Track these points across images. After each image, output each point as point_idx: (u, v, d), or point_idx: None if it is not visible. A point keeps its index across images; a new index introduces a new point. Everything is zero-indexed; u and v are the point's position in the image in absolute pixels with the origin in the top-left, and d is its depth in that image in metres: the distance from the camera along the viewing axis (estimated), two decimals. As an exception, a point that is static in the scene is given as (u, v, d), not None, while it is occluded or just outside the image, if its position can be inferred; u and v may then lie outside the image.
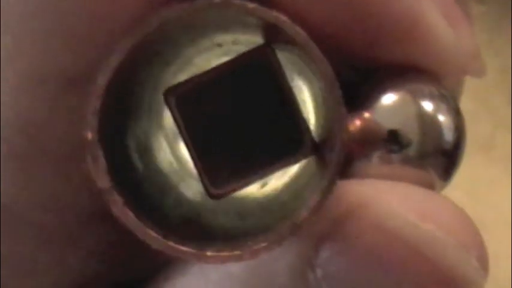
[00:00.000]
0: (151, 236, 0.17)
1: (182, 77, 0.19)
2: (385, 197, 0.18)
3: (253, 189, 0.21)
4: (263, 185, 0.21)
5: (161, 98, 0.19)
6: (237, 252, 0.17)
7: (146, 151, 0.19)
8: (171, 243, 0.17)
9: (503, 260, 0.50)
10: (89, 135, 0.16)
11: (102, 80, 0.16)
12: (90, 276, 0.22)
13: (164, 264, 0.21)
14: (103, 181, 0.17)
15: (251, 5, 0.17)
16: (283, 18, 0.17)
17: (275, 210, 0.20)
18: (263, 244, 0.17)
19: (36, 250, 0.21)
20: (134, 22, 0.17)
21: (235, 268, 0.19)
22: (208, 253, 0.17)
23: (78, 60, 0.19)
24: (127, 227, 0.17)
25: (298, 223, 0.17)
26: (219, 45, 0.20)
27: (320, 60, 0.17)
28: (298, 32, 0.17)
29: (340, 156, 0.17)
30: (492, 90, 0.51)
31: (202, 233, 0.19)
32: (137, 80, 0.18)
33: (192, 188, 0.20)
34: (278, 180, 0.21)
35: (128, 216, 0.17)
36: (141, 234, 0.17)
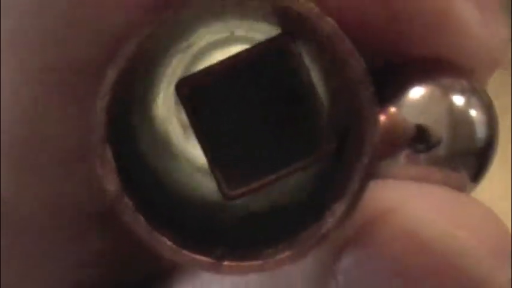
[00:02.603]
0: (165, 245, 0.15)
1: (196, 69, 0.18)
2: (414, 201, 0.17)
3: (269, 193, 0.19)
4: (279, 189, 0.20)
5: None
6: (257, 263, 0.15)
7: (159, 150, 0.18)
8: (186, 253, 0.15)
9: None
10: (97, 135, 0.15)
11: (110, 76, 0.15)
12: (92, 276, 0.21)
13: (171, 266, 0.20)
14: (112, 184, 0.15)
15: None
16: (312, 6, 0.15)
17: (288, 209, 0.19)
18: (287, 254, 0.15)
19: (38, 249, 0.20)
20: (145, 16, 0.16)
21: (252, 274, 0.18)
22: (226, 263, 0.15)
23: (85, 51, 0.18)
24: (137, 234, 0.15)
25: (324, 233, 0.15)
26: (234, 35, 0.19)
27: (351, 54, 0.15)
28: (328, 22, 0.15)
29: (371, 160, 0.15)
30: (490, 85, 0.49)
31: (216, 234, 0.17)
32: (150, 73, 0.17)
33: (203, 188, 0.18)
34: (297, 181, 0.20)
35: (138, 223, 0.15)
36: (153, 242, 0.15)
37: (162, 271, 0.21)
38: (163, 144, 0.19)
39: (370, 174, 0.16)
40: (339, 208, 0.15)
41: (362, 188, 0.16)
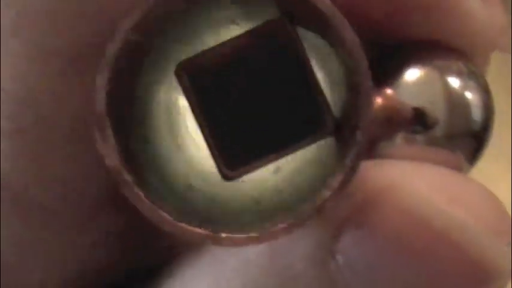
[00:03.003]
0: (163, 218, 0.15)
1: (194, 52, 0.18)
2: (411, 179, 0.17)
3: (268, 174, 0.20)
4: (277, 170, 0.20)
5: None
6: (254, 235, 0.15)
7: (162, 131, 0.18)
8: (184, 225, 0.15)
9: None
10: (98, 108, 0.15)
11: (111, 49, 0.15)
12: (99, 263, 0.21)
13: (177, 251, 0.20)
14: (112, 158, 0.15)
15: None
16: None
17: (291, 193, 0.19)
18: (282, 225, 0.15)
19: (45, 234, 0.20)
20: None
21: (252, 255, 0.19)
22: (223, 235, 0.15)
23: (89, 34, 0.18)
24: (137, 208, 0.15)
25: (320, 204, 0.16)
26: (233, 20, 0.19)
27: (345, 29, 0.16)
28: (322, 0, 0.16)
29: (366, 132, 0.16)
30: (493, 86, 0.50)
31: (217, 216, 0.18)
32: (151, 57, 0.17)
33: (206, 169, 0.19)
34: (294, 163, 0.20)
35: (137, 196, 0.15)
36: (152, 216, 0.15)
37: (169, 256, 0.21)
38: (165, 125, 0.19)
39: (365, 149, 0.16)
40: (334, 181, 0.16)
41: (357, 162, 0.16)
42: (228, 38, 0.18)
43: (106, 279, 0.21)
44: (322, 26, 0.16)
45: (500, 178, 0.50)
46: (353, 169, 0.16)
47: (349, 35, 0.16)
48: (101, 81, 0.15)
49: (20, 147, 0.19)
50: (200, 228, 0.16)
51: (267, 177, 0.19)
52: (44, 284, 0.21)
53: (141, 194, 0.16)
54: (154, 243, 0.21)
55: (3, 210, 0.20)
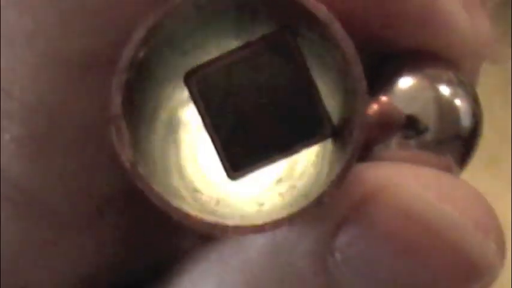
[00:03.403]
0: (173, 208, 0.17)
1: (199, 62, 0.19)
2: (405, 179, 0.18)
3: (270, 182, 0.21)
4: (279, 180, 0.21)
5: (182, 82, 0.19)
6: (258, 223, 0.17)
7: (174, 129, 0.20)
8: (194, 214, 0.17)
9: (506, 271, 0.49)
10: (114, 110, 0.17)
11: (127, 54, 0.17)
12: (106, 264, 0.22)
13: (183, 250, 0.21)
14: (127, 155, 0.17)
15: None
16: None
17: (293, 196, 0.20)
18: (284, 216, 0.17)
19: (54, 236, 0.21)
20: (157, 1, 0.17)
21: (254, 254, 0.19)
22: (230, 224, 0.17)
23: (99, 42, 0.19)
24: (150, 198, 0.17)
25: (319, 196, 0.17)
26: (236, 32, 0.20)
27: (342, 36, 0.17)
28: (319, 8, 0.17)
29: (362, 131, 0.17)
30: (497, 102, 0.51)
31: (222, 214, 0.19)
32: (160, 61, 0.18)
33: (213, 170, 0.20)
34: (296, 169, 0.21)
35: (151, 189, 0.17)
36: (164, 206, 0.17)
37: (172, 258, 0.21)
38: (171, 131, 0.20)
39: (361, 148, 0.17)
40: (333, 175, 0.17)
41: (353, 159, 0.17)
42: (231, 48, 0.19)
43: (113, 279, 0.22)
44: (321, 34, 0.18)
45: (500, 195, 0.51)
46: (349, 165, 0.17)
47: (346, 43, 0.17)
48: (118, 84, 0.17)
49: (30, 152, 0.20)
50: (207, 217, 0.17)
51: (270, 184, 0.20)
52: (52, 285, 0.21)
53: (154, 188, 0.17)
54: (160, 243, 0.22)
55: (13, 212, 0.20)
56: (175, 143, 0.20)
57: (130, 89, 0.17)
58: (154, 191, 0.17)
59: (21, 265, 0.21)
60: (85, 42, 0.19)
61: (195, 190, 0.20)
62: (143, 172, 0.17)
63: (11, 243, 0.20)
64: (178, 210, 0.17)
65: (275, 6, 0.18)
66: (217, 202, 0.20)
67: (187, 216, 0.17)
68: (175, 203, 0.17)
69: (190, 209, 0.17)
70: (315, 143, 0.19)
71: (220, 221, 0.17)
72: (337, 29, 0.17)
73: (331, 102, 0.19)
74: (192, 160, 0.21)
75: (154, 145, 0.18)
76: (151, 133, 0.18)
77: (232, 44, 0.20)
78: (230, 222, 0.17)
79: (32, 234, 0.21)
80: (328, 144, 0.19)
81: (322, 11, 0.17)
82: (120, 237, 0.21)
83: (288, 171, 0.20)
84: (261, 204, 0.20)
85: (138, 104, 0.17)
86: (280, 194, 0.20)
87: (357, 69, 0.17)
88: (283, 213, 0.17)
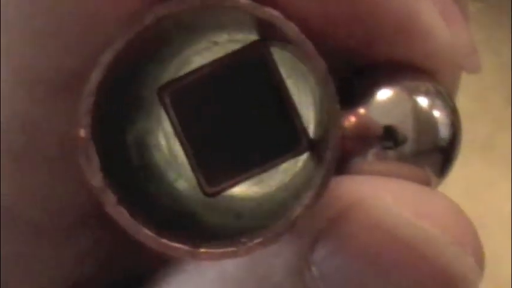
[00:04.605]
0: (144, 234, 0.16)
1: (176, 74, 0.19)
2: (379, 194, 0.18)
3: (249, 190, 0.21)
4: (258, 183, 0.21)
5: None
6: (231, 249, 0.16)
7: (144, 148, 0.19)
8: (165, 241, 0.16)
9: (503, 260, 0.49)
10: (82, 133, 0.16)
11: (95, 78, 0.16)
12: (86, 275, 0.22)
13: (160, 264, 0.21)
14: (96, 179, 0.17)
15: (243, 2, 0.17)
16: (274, 13, 0.17)
17: (272, 209, 0.20)
18: (257, 240, 0.16)
19: (34, 249, 0.21)
20: (127, 21, 0.17)
21: (231, 267, 0.19)
22: (202, 250, 0.16)
23: (74, 60, 0.19)
24: (120, 225, 0.16)
25: (293, 219, 0.17)
26: (216, 43, 0.20)
27: (313, 56, 0.17)
28: (290, 27, 0.17)
29: (334, 152, 0.17)
30: (491, 90, 0.51)
31: (198, 231, 0.19)
32: (136, 79, 0.18)
33: (187, 186, 0.20)
34: (275, 179, 0.21)
35: (121, 214, 0.17)
36: (134, 232, 0.16)
37: (150, 270, 0.21)
38: (149, 143, 0.20)
39: (334, 167, 0.17)
40: (306, 197, 0.17)
41: (326, 179, 0.17)
42: (210, 60, 0.19)
43: None
44: (294, 49, 0.18)
45: (500, 181, 0.51)
46: (323, 187, 0.17)
47: (318, 63, 0.17)
48: (85, 107, 0.16)
49: (8, 169, 0.20)
50: (180, 244, 0.17)
51: (249, 194, 0.20)
52: None
53: (124, 211, 0.17)
54: (140, 254, 0.22)
55: None
56: (148, 162, 0.20)
57: (100, 110, 0.17)
58: (123, 215, 0.16)
59: (1, 278, 0.21)
60: (61, 60, 0.19)
61: (173, 203, 0.20)
62: (113, 198, 0.16)
63: None
64: (150, 237, 0.16)
65: (247, 23, 0.18)
66: (193, 216, 0.20)
67: (159, 242, 0.16)
68: (147, 229, 0.16)
69: (163, 230, 0.17)
70: (292, 157, 0.19)
71: (191, 248, 0.16)
72: (308, 49, 0.17)
73: (307, 113, 0.19)
74: (170, 173, 0.20)
75: (125, 166, 0.18)
76: (123, 154, 0.18)
77: (211, 53, 0.20)
78: (202, 248, 0.16)
79: (11, 247, 0.21)
80: (309, 158, 0.19)
81: (293, 31, 0.17)
82: (100, 249, 0.21)
83: (268, 176, 0.20)
84: (238, 217, 0.20)
85: (108, 127, 0.17)
86: (259, 204, 0.20)
87: (329, 88, 0.17)
88: (257, 235, 0.17)
